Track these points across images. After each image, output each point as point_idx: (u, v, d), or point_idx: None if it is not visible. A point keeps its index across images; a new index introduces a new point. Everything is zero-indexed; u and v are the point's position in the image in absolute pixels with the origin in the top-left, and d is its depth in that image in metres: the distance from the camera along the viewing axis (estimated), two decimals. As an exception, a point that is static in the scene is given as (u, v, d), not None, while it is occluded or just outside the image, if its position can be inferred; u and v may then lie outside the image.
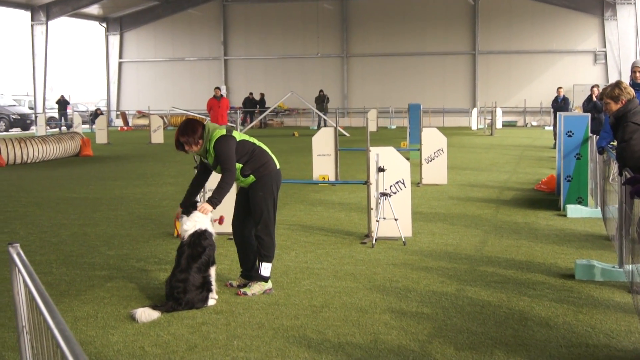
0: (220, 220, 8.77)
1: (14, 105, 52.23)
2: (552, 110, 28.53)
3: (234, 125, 26.33)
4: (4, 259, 9.19)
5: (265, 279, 7.62)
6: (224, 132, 7.42)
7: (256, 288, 7.53)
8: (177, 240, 10.28)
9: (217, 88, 28.14)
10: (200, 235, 7.21)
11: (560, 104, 26.29)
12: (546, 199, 14.10)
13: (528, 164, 21.11)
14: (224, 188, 7.31)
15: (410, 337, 6.14)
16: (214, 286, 7.20)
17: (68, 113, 50.32)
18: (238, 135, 7.61)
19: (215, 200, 7.27)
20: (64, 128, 47.54)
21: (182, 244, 7.22)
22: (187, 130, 7.35)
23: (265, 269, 7.62)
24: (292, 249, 9.76)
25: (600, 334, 6.19)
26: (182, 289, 6.91)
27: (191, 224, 7.25)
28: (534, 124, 47.34)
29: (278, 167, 7.80)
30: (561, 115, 12.98)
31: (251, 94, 49.28)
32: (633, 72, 11.78)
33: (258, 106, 48.65)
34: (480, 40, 48.64)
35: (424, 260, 8.98)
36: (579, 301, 7.13)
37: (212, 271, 7.22)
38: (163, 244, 10.21)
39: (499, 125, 41.69)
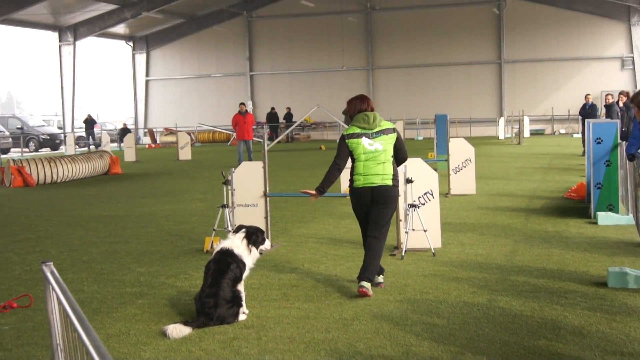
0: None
1: (43, 126, 52.81)
2: (580, 117, 28.32)
3: (261, 141, 26.41)
4: (37, 278, 9.28)
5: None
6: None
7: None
8: (206, 256, 10.33)
9: (242, 104, 28.19)
10: (226, 253, 7.25)
11: (588, 110, 26.07)
12: (576, 206, 13.99)
13: (557, 172, 20.96)
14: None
15: (442, 348, 6.11)
16: (244, 301, 7.22)
17: (95, 132, 50.80)
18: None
19: None
20: (92, 147, 47.98)
21: (208, 261, 7.28)
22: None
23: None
24: (321, 262, 9.76)
25: (634, 342, 6.12)
26: (212, 303, 6.93)
27: (226, 243, 7.40)
28: (562, 131, 47.03)
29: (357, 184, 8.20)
30: (589, 122, 12.89)
31: (273, 108, 49.42)
32: None
33: (285, 120, 48.77)
34: (506, 49, 48.47)
35: (454, 271, 8.94)
36: (613, 309, 7.06)
37: (241, 287, 7.24)
38: (193, 260, 10.25)
39: (526, 134, 41.48)
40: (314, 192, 8.47)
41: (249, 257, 7.41)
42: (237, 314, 7.06)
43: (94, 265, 10.11)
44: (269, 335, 6.64)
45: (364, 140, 8.11)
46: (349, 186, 8.30)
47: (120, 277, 9.29)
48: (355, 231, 12.09)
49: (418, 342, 6.29)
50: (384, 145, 8.10)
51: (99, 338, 3.12)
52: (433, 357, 5.91)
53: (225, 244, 7.39)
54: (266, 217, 10.75)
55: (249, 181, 10.78)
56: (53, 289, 3.89)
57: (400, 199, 10.11)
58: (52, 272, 3.95)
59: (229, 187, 10.78)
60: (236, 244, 7.38)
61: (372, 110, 8.30)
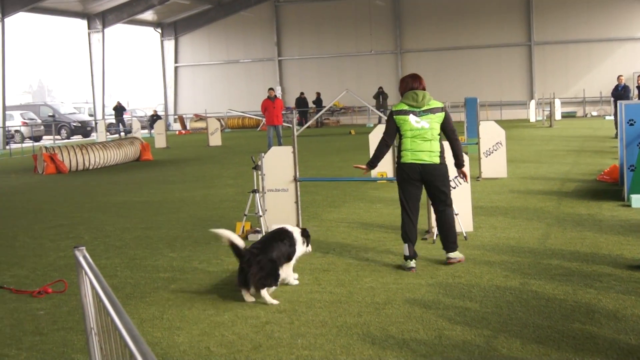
0: None
1: (75, 113, 53.27)
2: (612, 99, 28.02)
3: (290, 126, 26.41)
4: (71, 263, 9.37)
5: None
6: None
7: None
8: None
9: (271, 89, 28.20)
10: (285, 231, 7.74)
11: (620, 92, 25.79)
12: (609, 189, 13.84)
13: (589, 155, 20.76)
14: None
15: (475, 332, 6.09)
16: (281, 278, 7.49)
17: (125, 119, 51.13)
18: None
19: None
20: (122, 134, 48.31)
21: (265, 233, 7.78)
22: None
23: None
24: (352, 246, 9.76)
25: (670, 325, 6.05)
26: (258, 252, 7.30)
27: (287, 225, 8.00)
28: (594, 114, 46.54)
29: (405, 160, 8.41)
30: (622, 103, 12.73)
31: (302, 93, 49.35)
32: None
33: (315, 105, 48.72)
34: (536, 30, 47.97)
35: (486, 255, 8.89)
36: (648, 292, 6.99)
37: (286, 270, 7.61)
38: (224, 245, 10.27)
39: (558, 116, 41.08)
40: (364, 166, 8.91)
41: (301, 247, 7.86)
42: (268, 282, 7.20)
43: (126, 251, 10.19)
44: (301, 319, 6.65)
45: (411, 118, 8.29)
46: (397, 162, 8.50)
47: (153, 263, 9.35)
48: (386, 215, 12.07)
49: (450, 326, 6.27)
50: (430, 124, 8.25)
51: (133, 323, 3.14)
52: (466, 341, 5.89)
53: (286, 226, 7.88)
54: (296, 202, 10.75)
55: (279, 166, 10.78)
56: (86, 273, 3.91)
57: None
58: (84, 257, 3.98)
59: (259, 172, 10.79)
60: (296, 230, 7.87)
61: (424, 89, 8.54)
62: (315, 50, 52.75)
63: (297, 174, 10.73)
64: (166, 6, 49.36)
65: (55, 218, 13.58)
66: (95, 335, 4.06)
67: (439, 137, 8.31)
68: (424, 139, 8.20)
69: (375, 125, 23.27)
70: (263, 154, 10.82)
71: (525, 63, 48.59)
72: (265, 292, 7.14)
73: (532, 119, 42.09)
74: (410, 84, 8.53)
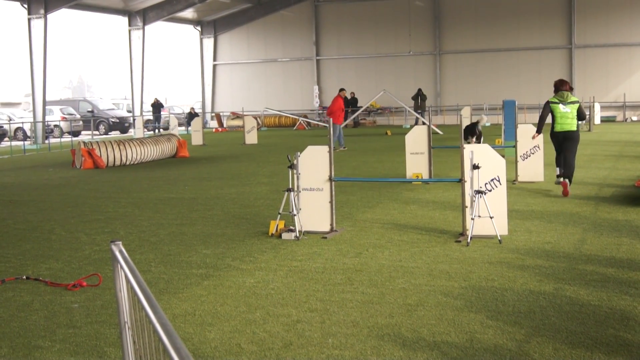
0: None
1: (113, 109, 53.76)
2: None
3: (327, 125, 26.47)
4: (105, 257, 9.48)
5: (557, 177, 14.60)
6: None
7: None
8: (271, 239, 10.41)
9: (344, 89, 30.17)
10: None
11: (661, 97, 25.39)
12: (648, 195, 13.67)
13: (628, 160, 20.52)
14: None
15: (507, 336, 6.05)
16: None
17: (163, 115, 51.48)
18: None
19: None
20: (160, 130, 48.67)
21: None
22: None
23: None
24: (386, 247, 9.74)
25: None
26: None
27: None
28: (634, 119, 45.96)
29: (556, 129, 14.44)
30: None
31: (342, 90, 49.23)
32: None
33: (350, 105, 48.65)
34: (577, 33, 47.48)
35: (520, 259, 8.83)
36: (684, 301, 6.89)
37: None
38: (258, 242, 10.33)
39: (597, 120, 40.64)
40: (535, 134, 15.48)
41: None
42: None
43: (161, 247, 10.27)
44: (332, 319, 6.66)
45: (561, 106, 14.18)
46: (551, 130, 14.39)
47: (187, 259, 9.42)
48: (420, 217, 12.04)
49: (482, 329, 6.24)
50: (572, 110, 14.15)
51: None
52: (498, 344, 5.86)
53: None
54: (331, 202, 10.77)
55: (314, 165, 10.80)
56: (122, 267, 3.95)
57: (467, 185, 10.03)
58: (120, 252, 4.01)
59: (295, 171, 10.82)
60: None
61: (569, 90, 14.36)
62: (354, 50, 52.70)
63: (333, 173, 10.74)
64: (206, 4, 49.63)
65: (91, 212, 13.73)
66: (128, 329, 4.10)
67: (576, 117, 14.20)
68: (567, 117, 14.14)
69: (411, 127, 23.20)
70: (299, 153, 10.84)
71: (565, 66, 48.12)
72: None
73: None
74: (560, 87, 14.36)
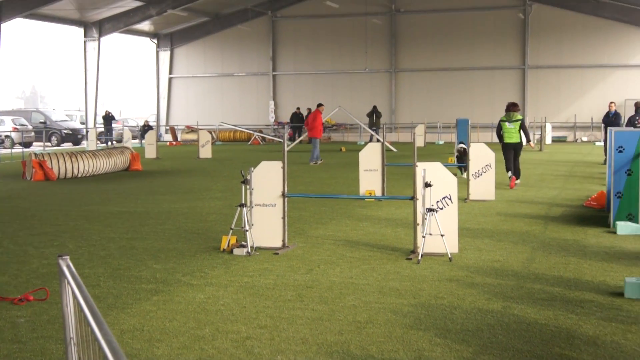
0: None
1: (66, 121, 53.21)
2: (602, 125, 28.15)
3: (281, 141, 26.48)
4: (54, 271, 9.35)
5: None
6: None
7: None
8: (223, 255, 10.37)
9: (322, 105, 30.71)
10: None
11: (611, 119, 25.88)
12: (596, 215, 13.91)
13: (577, 180, 20.86)
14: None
15: (455, 354, 6.10)
16: None
17: (114, 128, 51.06)
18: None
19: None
20: (112, 143, 48.26)
21: None
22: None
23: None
24: (337, 264, 9.77)
25: (649, 353, 6.08)
26: None
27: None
28: (585, 139, 46.76)
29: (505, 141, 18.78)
30: (612, 130, 12.81)
31: (298, 108, 49.41)
32: None
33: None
34: (530, 54, 48.22)
35: (470, 277, 8.92)
36: (628, 320, 7.02)
37: None
38: (209, 258, 10.29)
39: (548, 140, 41.25)
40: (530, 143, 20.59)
41: None
42: None
43: (110, 261, 10.17)
44: (282, 335, 6.66)
45: (507, 124, 18.48)
46: (502, 143, 18.72)
47: (137, 273, 9.34)
48: (372, 234, 12.09)
49: (431, 347, 6.29)
50: (515, 126, 18.46)
51: (113, 333, 3.15)
52: (445, 362, 5.90)
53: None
54: (283, 218, 10.77)
55: (267, 181, 10.80)
56: (68, 282, 3.92)
57: (419, 203, 10.11)
58: (68, 266, 3.98)
59: (248, 187, 10.81)
60: None
61: (515, 111, 18.58)
62: (310, 66, 52.87)
63: (286, 189, 10.76)
64: (163, 17, 49.41)
65: (40, 225, 13.56)
66: (74, 345, 4.06)
67: (520, 132, 18.58)
68: (512, 132, 18.48)
69: (366, 143, 23.31)
70: (252, 168, 10.84)
71: (518, 86, 48.81)
72: None
73: (523, 143, 42.11)
74: (509, 109, 18.63)
